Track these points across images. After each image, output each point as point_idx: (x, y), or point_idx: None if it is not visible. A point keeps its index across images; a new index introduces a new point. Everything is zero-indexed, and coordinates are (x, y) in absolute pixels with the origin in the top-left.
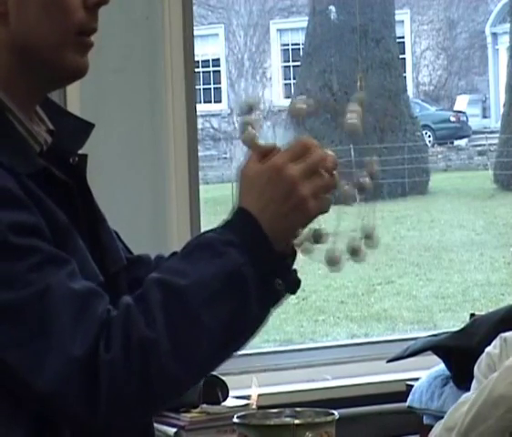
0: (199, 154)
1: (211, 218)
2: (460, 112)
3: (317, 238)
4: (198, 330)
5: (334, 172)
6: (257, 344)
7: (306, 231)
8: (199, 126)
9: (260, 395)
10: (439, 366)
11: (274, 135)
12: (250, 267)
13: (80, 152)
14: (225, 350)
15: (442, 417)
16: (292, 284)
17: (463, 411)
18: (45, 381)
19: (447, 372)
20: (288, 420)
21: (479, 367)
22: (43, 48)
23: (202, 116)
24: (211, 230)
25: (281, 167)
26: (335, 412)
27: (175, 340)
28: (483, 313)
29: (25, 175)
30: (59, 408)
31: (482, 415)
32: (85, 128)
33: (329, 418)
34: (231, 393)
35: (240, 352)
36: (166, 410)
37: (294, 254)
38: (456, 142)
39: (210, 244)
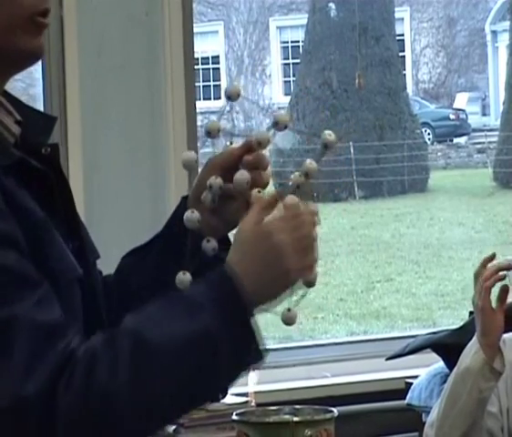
0: (199, 151)
1: None
2: (460, 110)
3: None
4: (160, 390)
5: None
6: None
7: None
8: (199, 123)
9: (255, 393)
10: (438, 364)
11: (274, 135)
12: (224, 335)
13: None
14: (184, 410)
15: None
16: (261, 355)
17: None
18: None
19: (446, 370)
20: (287, 417)
21: None
22: None
23: (202, 113)
24: (196, 283)
25: (271, 233)
26: (334, 410)
27: (136, 396)
28: None
29: (1, 168)
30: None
31: (453, 397)
32: (48, 122)
33: (328, 415)
34: (230, 390)
35: None
36: None
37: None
38: (456, 140)
39: (189, 300)
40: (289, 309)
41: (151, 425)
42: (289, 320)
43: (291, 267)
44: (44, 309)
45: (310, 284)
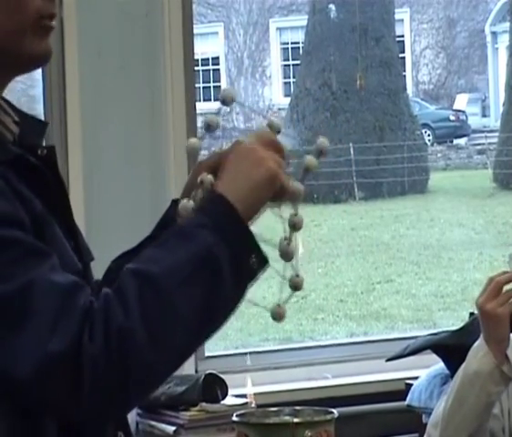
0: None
1: None
2: (460, 111)
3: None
4: (172, 317)
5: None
6: (256, 343)
7: None
8: (199, 124)
9: (255, 394)
10: (438, 365)
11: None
12: (223, 246)
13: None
14: (201, 334)
15: None
16: (265, 259)
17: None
18: (24, 373)
19: (447, 371)
20: (287, 418)
21: None
22: (1, 37)
23: (202, 114)
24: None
25: (238, 142)
26: (334, 411)
27: (151, 328)
28: None
29: (1, 163)
30: (40, 399)
31: (460, 399)
32: (40, 126)
33: (328, 416)
34: (231, 392)
35: (239, 351)
36: (163, 407)
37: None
38: (456, 141)
39: (182, 229)
40: (278, 305)
41: (173, 357)
42: (278, 315)
43: (265, 154)
44: (59, 273)
45: (296, 287)
